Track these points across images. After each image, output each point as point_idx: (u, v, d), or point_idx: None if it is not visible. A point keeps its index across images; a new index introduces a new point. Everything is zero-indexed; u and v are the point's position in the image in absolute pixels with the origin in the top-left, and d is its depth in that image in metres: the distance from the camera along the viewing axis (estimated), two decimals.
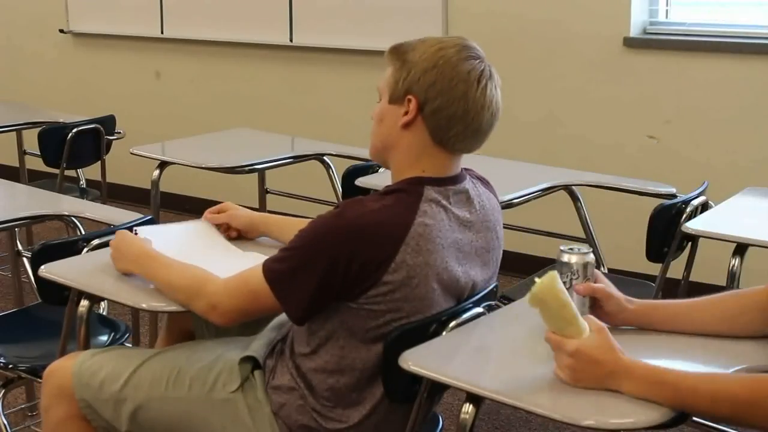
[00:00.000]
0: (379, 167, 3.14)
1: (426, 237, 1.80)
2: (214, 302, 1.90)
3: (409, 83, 1.84)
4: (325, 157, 3.67)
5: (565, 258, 1.78)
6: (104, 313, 2.77)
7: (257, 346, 2.01)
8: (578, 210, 3.29)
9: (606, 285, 1.80)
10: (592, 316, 1.67)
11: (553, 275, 1.62)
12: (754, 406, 1.49)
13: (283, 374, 1.93)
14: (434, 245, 1.81)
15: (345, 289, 1.79)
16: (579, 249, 1.78)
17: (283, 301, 1.83)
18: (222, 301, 1.89)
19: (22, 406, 3.24)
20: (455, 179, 1.90)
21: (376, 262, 1.77)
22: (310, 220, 1.89)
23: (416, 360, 1.69)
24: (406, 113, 1.85)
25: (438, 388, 1.86)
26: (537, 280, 1.61)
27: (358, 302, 1.80)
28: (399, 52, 1.88)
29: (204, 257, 2.13)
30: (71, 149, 3.92)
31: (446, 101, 1.82)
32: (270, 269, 1.84)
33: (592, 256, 1.79)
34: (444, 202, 1.86)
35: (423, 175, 1.87)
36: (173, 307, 2.02)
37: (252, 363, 1.97)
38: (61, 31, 5.83)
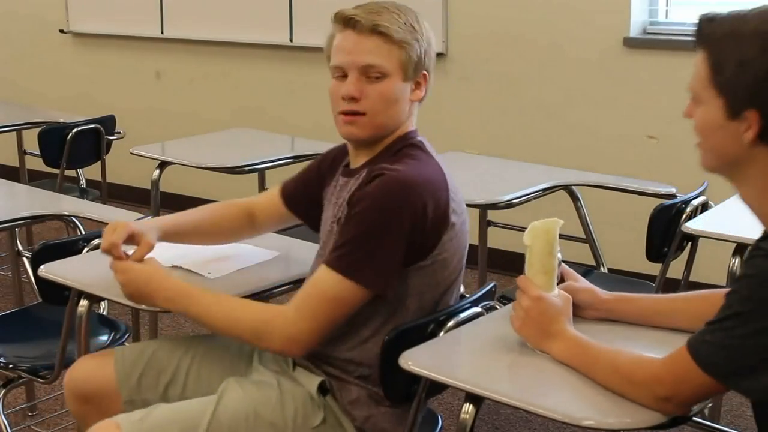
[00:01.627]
0: None
1: (452, 179, 1.90)
2: (292, 334, 1.80)
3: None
4: None
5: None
6: (104, 313, 2.77)
7: (310, 374, 1.94)
8: (578, 210, 3.29)
9: (574, 280, 1.83)
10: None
11: (557, 222, 1.73)
12: (632, 384, 1.53)
13: (350, 388, 1.89)
14: (456, 186, 1.91)
15: (426, 241, 1.83)
16: None
17: (371, 285, 1.79)
18: (302, 329, 1.80)
19: (22, 406, 3.24)
20: None
21: (442, 207, 1.83)
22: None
23: (416, 360, 1.69)
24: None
25: (437, 388, 1.86)
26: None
27: (432, 255, 1.84)
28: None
29: (200, 255, 2.15)
30: (71, 149, 3.92)
31: None
32: (347, 263, 1.78)
33: (558, 256, 1.81)
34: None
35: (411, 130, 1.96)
36: None
37: (321, 389, 1.92)
38: (61, 31, 5.83)
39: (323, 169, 2.09)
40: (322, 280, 1.80)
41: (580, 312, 1.80)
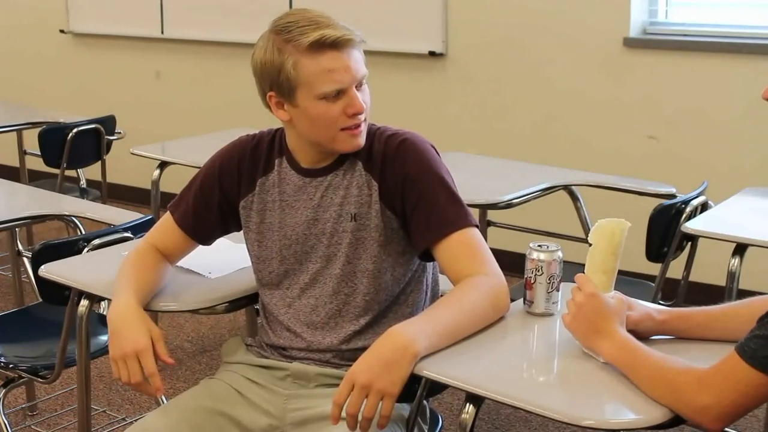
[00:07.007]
0: None
1: None
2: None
3: None
4: None
5: (534, 255, 1.84)
6: (104, 313, 2.77)
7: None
8: (578, 210, 3.29)
9: (630, 308, 1.74)
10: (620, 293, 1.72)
11: (625, 224, 1.70)
12: (675, 389, 1.51)
13: None
14: None
15: None
16: (548, 246, 1.85)
17: (475, 222, 1.89)
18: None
19: (23, 406, 3.24)
20: None
21: None
22: None
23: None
24: None
25: (437, 388, 1.86)
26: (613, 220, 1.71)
27: None
28: None
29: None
30: (71, 149, 3.92)
31: None
32: (467, 213, 1.88)
33: (560, 254, 1.84)
34: None
35: None
36: (173, 307, 2.02)
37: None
38: (61, 31, 5.84)
39: (227, 183, 2.00)
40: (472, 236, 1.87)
41: (638, 335, 1.72)
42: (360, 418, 1.62)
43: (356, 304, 1.91)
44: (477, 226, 1.88)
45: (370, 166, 1.90)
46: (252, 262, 2.03)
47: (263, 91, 1.92)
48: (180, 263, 2.12)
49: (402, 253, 1.92)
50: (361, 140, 1.89)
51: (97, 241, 2.33)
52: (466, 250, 1.84)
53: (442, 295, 1.99)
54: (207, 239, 2.09)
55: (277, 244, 1.96)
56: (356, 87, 1.86)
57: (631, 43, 4.10)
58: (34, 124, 4.12)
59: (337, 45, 1.82)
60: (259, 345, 2.03)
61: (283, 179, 1.97)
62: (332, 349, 1.92)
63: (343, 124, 1.86)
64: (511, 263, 2.65)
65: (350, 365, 1.67)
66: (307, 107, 1.85)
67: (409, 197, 1.87)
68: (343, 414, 1.63)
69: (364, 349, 1.70)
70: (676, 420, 1.52)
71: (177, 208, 2.06)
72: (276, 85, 1.87)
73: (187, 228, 2.04)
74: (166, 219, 2.07)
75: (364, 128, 1.90)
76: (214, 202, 2.02)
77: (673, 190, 3.02)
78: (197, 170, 2.07)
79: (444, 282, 2.02)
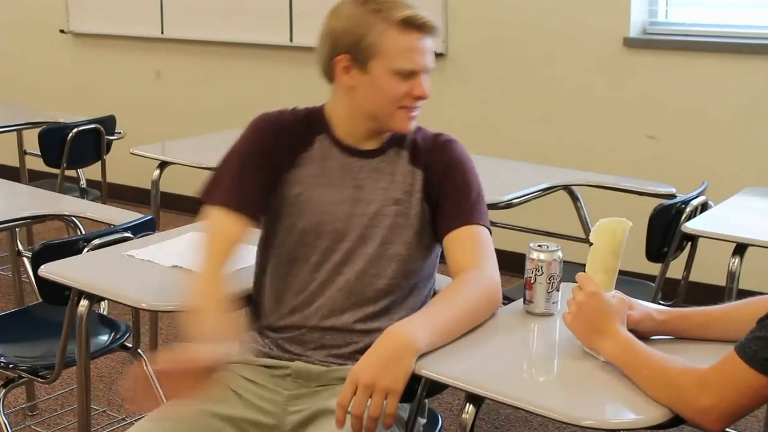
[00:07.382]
0: None
1: None
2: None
3: None
4: None
5: (534, 255, 1.85)
6: (104, 313, 2.77)
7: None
8: (578, 210, 3.29)
9: (630, 308, 1.74)
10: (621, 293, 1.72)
11: (626, 223, 1.72)
12: (676, 389, 1.51)
13: None
14: None
15: None
16: (548, 246, 1.86)
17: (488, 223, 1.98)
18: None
19: (23, 406, 3.24)
20: None
21: None
22: None
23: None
24: None
25: (437, 388, 1.86)
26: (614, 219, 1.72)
27: None
28: None
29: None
30: (71, 149, 3.92)
31: None
32: (480, 214, 1.95)
33: (560, 254, 1.86)
34: None
35: None
36: (173, 307, 2.02)
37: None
38: (62, 31, 5.84)
39: (270, 161, 1.96)
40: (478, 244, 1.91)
41: (639, 335, 1.71)
42: (366, 416, 1.62)
43: (379, 286, 1.93)
44: (489, 230, 1.94)
45: (415, 158, 1.97)
46: (278, 236, 1.97)
47: (332, 54, 1.92)
48: (179, 263, 2.12)
49: (427, 246, 1.98)
50: (414, 125, 1.96)
51: (97, 241, 2.33)
52: (470, 244, 1.90)
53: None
54: (259, 221, 2.00)
55: (315, 220, 1.95)
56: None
57: (631, 43, 4.10)
58: (34, 124, 4.12)
59: (424, 28, 1.89)
60: (259, 330, 2.00)
61: (324, 156, 1.98)
62: (346, 329, 1.92)
63: (405, 103, 1.92)
64: (511, 263, 2.65)
65: (352, 363, 1.66)
66: (377, 77, 1.89)
67: (444, 186, 1.95)
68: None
69: (377, 330, 1.72)
70: (676, 420, 1.52)
71: (230, 198, 1.94)
72: (354, 49, 1.89)
73: (247, 210, 1.93)
74: (220, 215, 1.93)
75: (417, 114, 1.95)
76: (260, 181, 1.95)
77: (673, 190, 3.02)
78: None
79: (441, 282, 2.02)
